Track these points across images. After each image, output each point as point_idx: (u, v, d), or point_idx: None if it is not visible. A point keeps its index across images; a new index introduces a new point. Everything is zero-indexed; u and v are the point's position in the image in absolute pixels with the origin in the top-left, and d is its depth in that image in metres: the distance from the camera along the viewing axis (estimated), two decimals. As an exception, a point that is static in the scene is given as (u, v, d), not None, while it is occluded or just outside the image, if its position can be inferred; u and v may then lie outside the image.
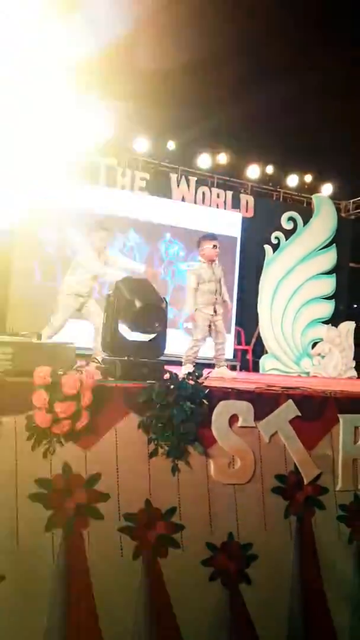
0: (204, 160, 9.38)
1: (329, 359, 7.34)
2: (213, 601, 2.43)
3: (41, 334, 2.70)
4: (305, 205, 9.82)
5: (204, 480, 2.50)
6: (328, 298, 7.90)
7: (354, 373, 7.47)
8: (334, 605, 2.64)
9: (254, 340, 8.35)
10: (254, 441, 2.63)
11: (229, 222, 9.07)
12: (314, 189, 9.98)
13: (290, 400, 2.74)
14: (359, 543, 2.80)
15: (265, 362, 7.34)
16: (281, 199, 10.10)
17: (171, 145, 9.32)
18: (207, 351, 5.01)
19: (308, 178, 10.30)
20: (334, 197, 9.70)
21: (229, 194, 9.41)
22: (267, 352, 7.47)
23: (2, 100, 5.80)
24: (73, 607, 2.21)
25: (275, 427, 2.68)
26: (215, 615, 2.42)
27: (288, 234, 7.71)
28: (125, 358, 2.67)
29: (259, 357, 7.60)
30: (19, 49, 5.75)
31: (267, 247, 7.53)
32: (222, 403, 2.57)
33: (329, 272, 7.91)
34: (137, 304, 2.66)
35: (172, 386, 2.43)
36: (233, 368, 7.49)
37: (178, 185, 9.02)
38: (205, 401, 2.48)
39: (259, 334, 7.61)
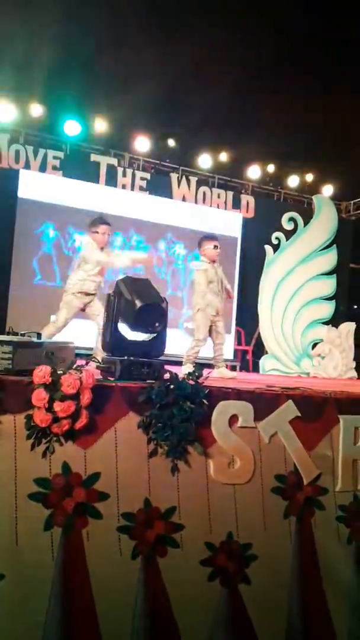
0: (204, 160, 9.38)
1: (329, 359, 7.34)
2: (212, 600, 2.43)
3: (41, 333, 2.70)
4: (305, 205, 9.81)
5: (204, 480, 2.50)
6: (328, 299, 7.90)
7: (354, 374, 7.47)
8: (333, 605, 2.64)
9: (254, 340, 8.35)
10: (254, 441, 2.63)
11: (229, 222, 9.07)
12: (314, 189, 9.98)
13: (290, 401, 2.74)
14: (358, 543, 2.80)
15: (265, 362, 7.34)
16: (282, 200, 10.10)
17: (172, 143, 9.32)
18: (206, 351, 5.00)
19: (309, 178, 10.29)
20: (334, 198, 9.70)
21: (230, 194, 9.41)
22: (267, 353, 7.47)
23: None
24: (72, 606, 2.21)
25: (275, 428, 2.69)
26: (214, 614, 2.42)
27: (288, 234, 7.71)
28: (125, 358, 2.67)
29: (259, 358, 7.60)
30: None
31: (268, 248, 7.52)
32: (222, 403, 2.57)
33: (329, 273, 7.90)
34: (138, 303, 2.66)
35: (172, 386, 2.43)
36: (233, 368, 7.48)
37: (179, 185, 9.02)
38: (205, 401, 2.48)
39: (259, 334, 7.60)
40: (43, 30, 7.32)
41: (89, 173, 8.36)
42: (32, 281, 7.80)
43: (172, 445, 2.40)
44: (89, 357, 2.64)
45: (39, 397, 2.16)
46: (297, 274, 7.66)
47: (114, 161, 8.73)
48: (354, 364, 7.52)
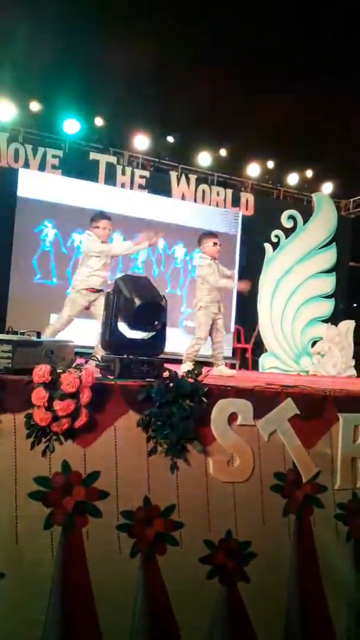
0: (204, 158, 9.37)
1: (328, 357, 7.34)
2: (211, 598, 2.44)
3: (40, 332, 2.70)
4: (305, 203, 9.82)
5: (203, 478, 2.50)
6: (328, 297, 7.88)
7: (354, 372, 7.47)
8: (332, 602, 2.65)
9: (253, 338, 8.35)
10: (253, 439, 2.63)
11: (228, 220, 9.07)
12: (314, 187, 9.98)
13: (289, 399, 2.75)
14: (356, 541, 2.80)
15: (264, 360, 7.33)
16: (281, 197, 10.09)
17: (171, 140, 9.31)
18: (205, 349, 5.00)
19: (308, 176, 10.29)
20: (334, 196, 9.68)
21: (229, 192, 9.41)
22: (266, 351, 7.46)
23: None
24: (72, 604, 2.22)
25: (274, 426, 2.69)
26: (213, 612, 2.43)
27: (288, 232, 7.69)
28: (125, 356, 2.67)
29: (259, 356, 7.59)
30: None
31: (267, 246, 7.51)
32: (221, 401, 2.58)
33: (328, 271, 7.88)
34: (137, 302, 2.66)
35: (171, 384, 2.43)
36: (232, 366, 7.49)
37: (178, 183, 9.01)
38: (204, 399, 2.48)
39: (258, 332, 7.59)
40: (42, 29, 7.32)
41: (88, 171, 8.35)
42: (32, 280, 7.80)
43: (172, 444, 2.40)
44: (88, 355, 2.64)
45: (39, 395, 2.16)
46: (297, 272, 7.64)
47: (113, 159, 8.72)
48: (353, 362, 7.51)
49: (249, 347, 8.50)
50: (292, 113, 8.74)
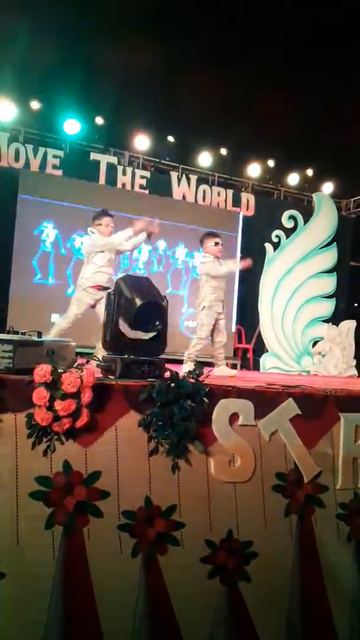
0: (204, 158, 9.37)
1: (329, 357, 7.33)
2: (212, 598, 2.44)
3: (41, 332, 2.69)
4: (305, 203, 9.82)
5: (204, 479, 2.50)
6: (329, 297, 7.88)
7: (355, 372, 7.46)
8: (334, 602, 2.65)
9: (254, 339, 8.34)
10: (254, 439, 2.63)
11: (229, 221, 9.06)
12: (314, 187, 9.97)
13: (290, 399, 2.75)
14: (358, 541, 2.80)
15: (265, 360, 7.33)
16: (282, 198, 10.09)
17: (171, 140, 9.31)
18: (207, 350, 5.00)
19: (309, 175, 10.29)
20: (334, 196, 9.68)
21: (230, 192, 9.40)
22: (267, 351, 7.46)
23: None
24: (73, 604, 2.22)
25: (275, 426, 2.69)
26: (214, 612, 2.43)
27: (288, 232, 7.69)
28: (126, 356, 2.67)
29: (260, 356, 7.59)
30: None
31: (268, 246, 7.51)
32: (222, 401, 2.58)
33: (329, 271, 7.89)
34: (138, 302, 2.66)
35: (172, 384, 2.43)
36: (234, 367, 7.49)
37: (179, 184, 9.01)
38: (205, 399, 2.48)
39: (259, 332, 7.59)
40: (43, 29, 7.32)
41: (88, 172, 8.35)
42: (32, 280, 7.80)
43: (173, 444, 2.40)
44: (90, 355, 2.64)
45: (40, 395, 2.16)
46: (298, 272, 7.64)
47: (113, 160, 8.72)
48: (354, 362, 7.51)
49: (250, 347, 8.49)
50: (293, 112, 8.74)
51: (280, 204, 9.62)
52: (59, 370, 2.22)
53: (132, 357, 2.67)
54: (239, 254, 8.85)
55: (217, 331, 4.84)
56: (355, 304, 10.81)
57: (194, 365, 3.48)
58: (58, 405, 2.16)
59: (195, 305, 4.92)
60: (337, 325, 7.63)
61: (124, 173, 8.66)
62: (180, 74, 8.26)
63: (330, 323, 7.70)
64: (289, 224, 7.73)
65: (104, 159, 8.61)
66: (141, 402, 2.41)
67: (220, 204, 9.28)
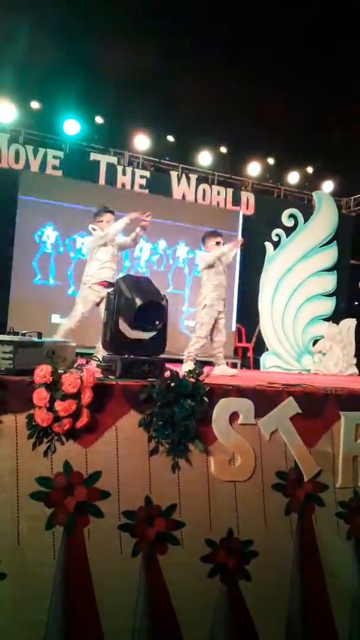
0: (204, 158, 9.37)
1: (329, 356, 7.34)
2: (212, 597, 2.44)
3: (41, 333, 2.70)
4: (306, 202, 9.81)
5: (204, 478, 2.50)
6: (329, 295, 7.89)
7: (355, 370, 7.46)
8: (334, 601, 2.65)
9: (254, 337, 8.34)
10: (255, 438, 2.64)
11: (229, 220, 9.06)
12: (314, 186, 9.96)
13: (290, 398, 2.75)
14: (358, 539, 2.80)
15: (266, 359, 7.33)
16: (282, 196, 10.08)
17: (171, 140, 9.31)
18: (207, 349, 5.00)
19: (309, 174, 10.28)
20: (334, 194, 9.68)
21: (230, 191, 9.40)
22: (267, 350, 7.47)
23: None
24: (73, 604, 2.22)
25: (275, 425, 2.69)
26: (214, 611, 2.43)
27: (289, 231, 7.69)
28: (126, 356, 2.67)
29: (260, 355, 7.59)
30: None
31: (268, 245, 7.51)
32: (222, 400, 2.58)
33: (329, 269, 7.89)
34: (138, 302, 2.66)
35: (172, 384, 2.43)
36: (234, 366, 7.49)
37: (178, 183, 9.01)
38: (205, 399, 2.48)
39: (259, 331, 7.59)
40: (43, 30, 7.32)
41: (88, 172, 8.35)
42: (32, 281, 7.81)
43: (173, 443, 2.41)
44: (90, 355, 2.64)
45: (40, 396, 2.16)
46: (298, 271, 7.64)
47: (113, 160, 8.72)
48: (354, 361, 7.51)
49: (250, 346, 8.50)
50: (292, 111, 8.74)
51: (280, 202, 9.62)
52: (59, 371, 2.22)
53: (132, 357, 2.67)
54: (238, 254, 8.86)
55: (216, 330, 4.83)
56: (356, 302, 10.80)
57: (194, 364, 3.49)
58: (58, 405, 2.17)
59: (196, 304, 4.91)
60: (338, 324, 7.63)
61: (124, 173, 8.66)
62: (179, 73, 8.26)
63: (331, 321, 7.70)
64: (289, 223, 7.73)
65: (104, 159, 8.61)
66: (141, 402, 2.41)
67: (220, 203, 9.28)
